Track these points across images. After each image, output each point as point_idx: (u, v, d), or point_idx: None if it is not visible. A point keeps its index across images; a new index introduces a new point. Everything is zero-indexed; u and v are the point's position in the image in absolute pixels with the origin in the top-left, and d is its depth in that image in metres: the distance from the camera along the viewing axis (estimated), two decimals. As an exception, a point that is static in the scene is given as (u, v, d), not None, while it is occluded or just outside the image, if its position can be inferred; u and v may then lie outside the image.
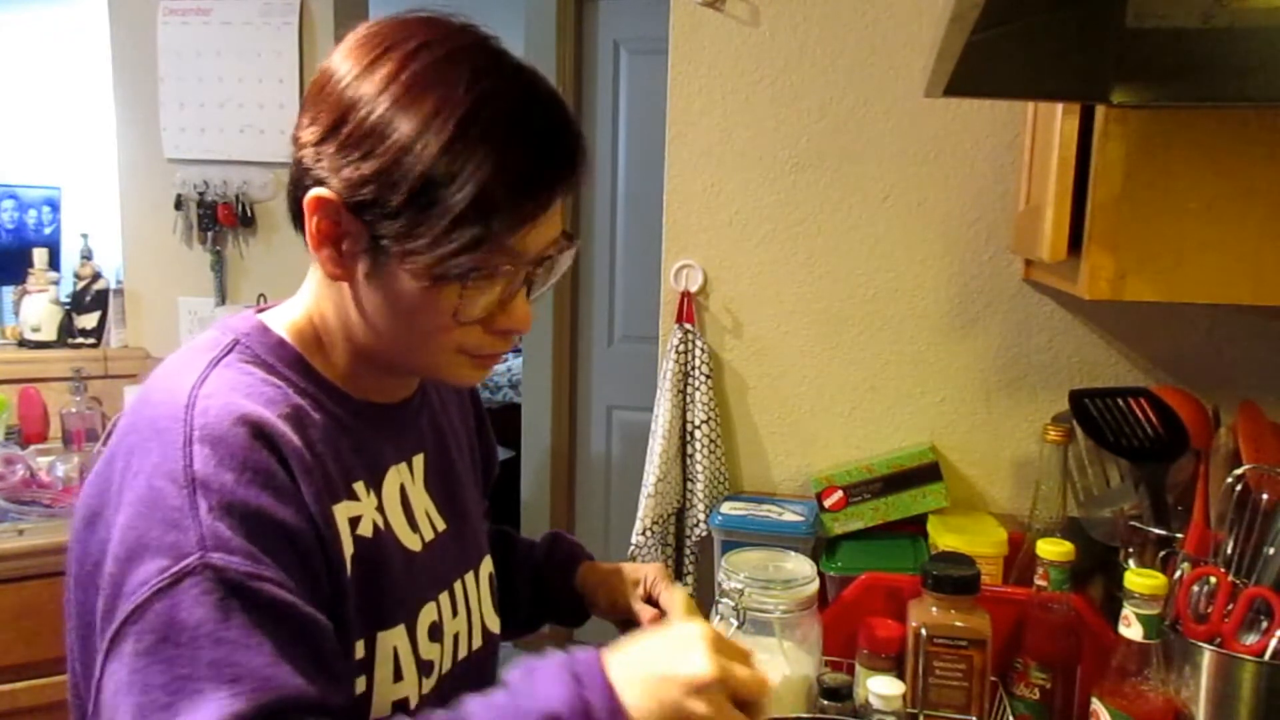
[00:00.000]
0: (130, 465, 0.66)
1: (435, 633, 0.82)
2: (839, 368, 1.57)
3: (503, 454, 4.11)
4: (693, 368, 1.57)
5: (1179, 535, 1.09)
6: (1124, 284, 0.90)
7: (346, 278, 0.73)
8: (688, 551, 1.61)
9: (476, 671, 0.89)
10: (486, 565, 0.94)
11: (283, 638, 0.62)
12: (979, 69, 0.81)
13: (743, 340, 1.60)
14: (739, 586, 1.04)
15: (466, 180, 0.66)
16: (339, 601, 0.70)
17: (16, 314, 2.60)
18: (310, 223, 0.71)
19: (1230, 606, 0.94)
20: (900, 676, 1.03)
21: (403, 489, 0.82)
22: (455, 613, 0.85)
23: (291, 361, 0.76)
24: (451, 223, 0.67)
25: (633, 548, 1.54)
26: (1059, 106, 0.99)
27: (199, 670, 0.59)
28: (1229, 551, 0.98)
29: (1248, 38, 0.81)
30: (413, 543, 0.81)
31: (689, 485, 1.58)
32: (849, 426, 1.57)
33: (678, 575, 1.62)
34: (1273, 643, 0.91)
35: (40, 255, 2.61)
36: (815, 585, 1.06)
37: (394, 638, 0.76)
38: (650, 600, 1.01)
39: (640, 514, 1.54)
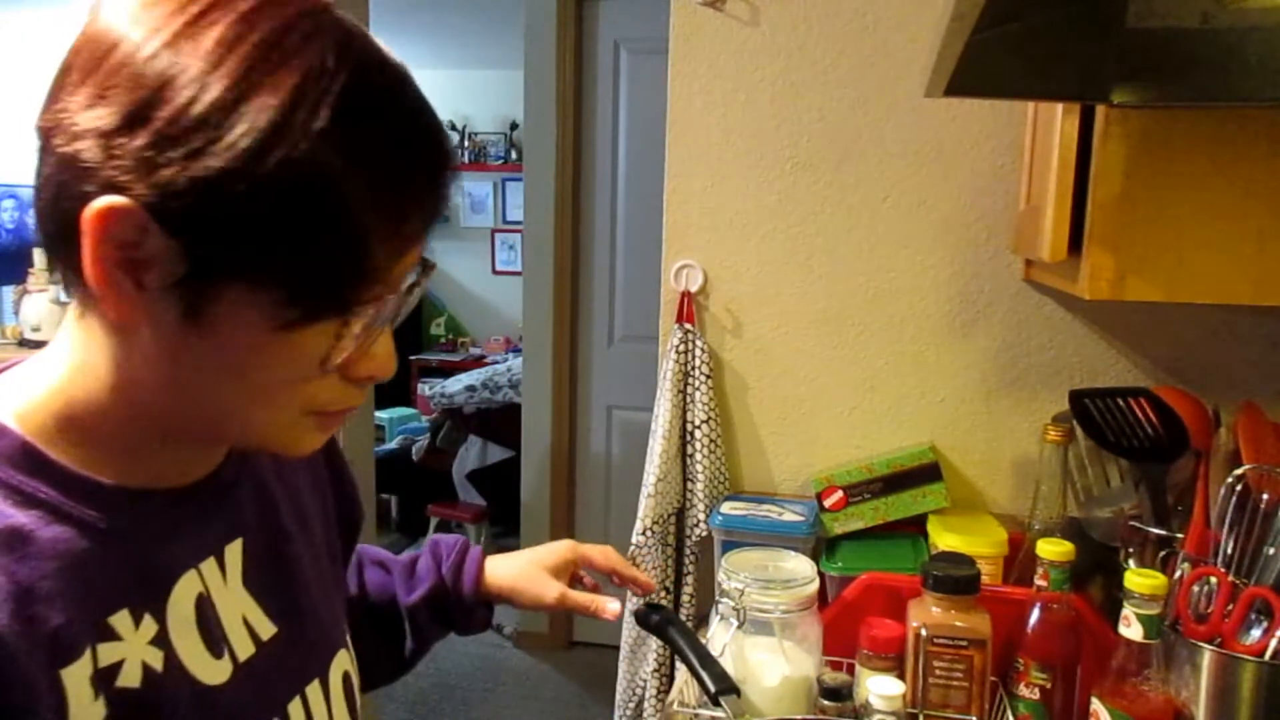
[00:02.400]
0: None
1: None
2: (839, 368, 1.57)
3: (503, 454, 4.14)
4: (693, 368, 1.57)
5: (1179, 535, 1.09)
6: (1124, 284, 0.90)
7: (144, 322, 0.52)
8: (688, 551, 1.61)
9: None
10: (340, 663, 0.73)
11: None
12: (979, 69, 0.81)
13: (743, 340, 1.60)
14: (739, 586, 1.04)
15: (347, 184, 0.50)
16: None
17: (17, 314, 2.61)
18: (90, 246, 0.49)
19: (1230, 606, 0.94)
20: (900, 676, 1.03)
21: (201, 600, 0.60)
22: None
23: (12, 455, 0.53)
24: (329, 239, 0.51)
25: (633, 548, 1.54)
26: (1059, 106, 0.99)
27: None
28: (1229, 551, 0.98)
29: (1248, 38, 0.81)
30: (215, 674, 0.60)
31: (689, 485, 1.58)
32: (849, 426, 1.57)
33: (678, 575, 1.62)
34: (1273, 643, 0.91)
35: (40, 255, 2.61)
36: (815, 585, 1.07)
37: None
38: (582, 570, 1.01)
39: (640, 514, 1.54)
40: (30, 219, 3.02)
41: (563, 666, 3.37)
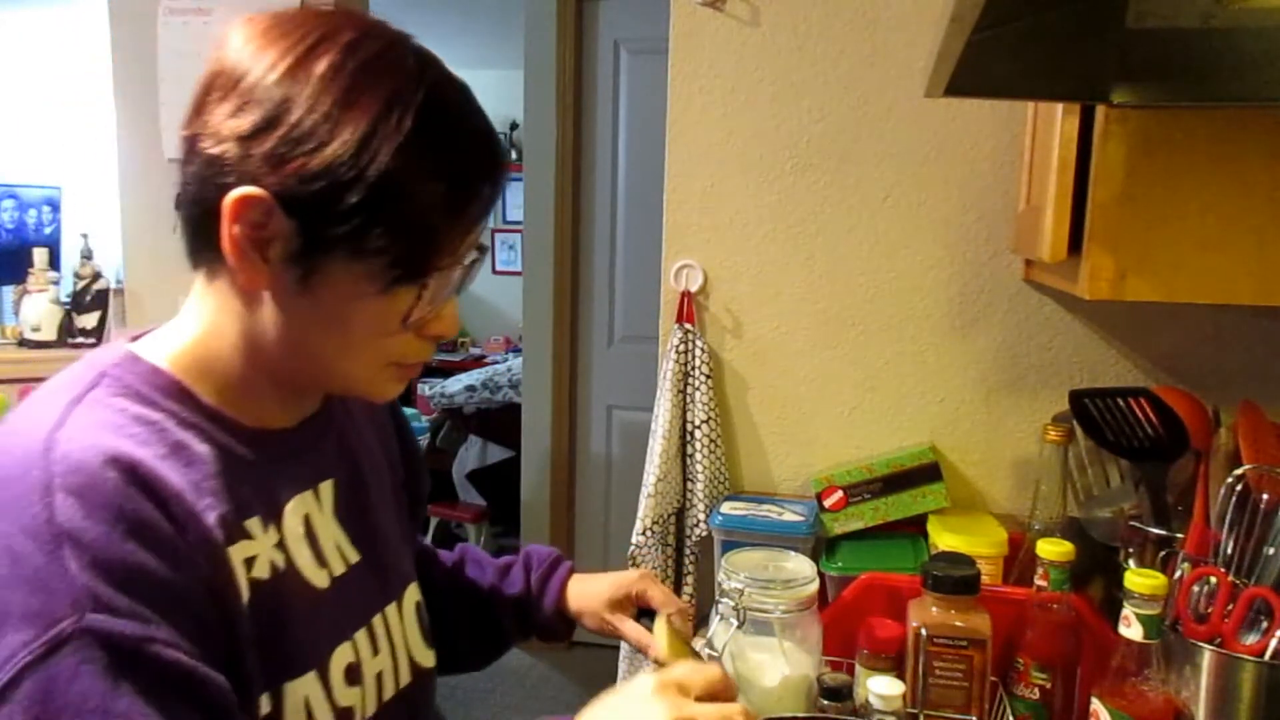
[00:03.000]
0: None
1: (353, 675, 0.75)
2: (839, 368, 1.57)
3: (503, 454, 4.13)
4: (693, 368, 1.57)
5: (1179, 535, 1.09)
6: (1124, 284, 0.90)
7: (266, 287, 0.66)
8: (688, 551, 1.61)
9: (408, 711, 0.82)
10: (412, 594, 0.86)
11: (180, 705, 0.56)
12: (979, 69, 0.81)
13: (743, 340, 1.60)
14: (739, 586, 1.04)
15: (426, 176, 0.64)
16: (237, 656, 0.63)
17: (17, 314, 2.61)
18: (229, 227, 0.63)
19: (1230, 606, 0.94)
20: (900, 676, 1.03)
21: (308, 520, 0.74)
22: (376, 650, 0.78)
23: (170, 390, 0.67)
24: (412, 221, 0.65)
25: (633, 548, 1.54)
26: (1059, 106, 0.99)
27: None
28: (1229, 551, 0.98)
29: (1248, 38, 0.81)
30: (320, 579, 0.74)
31: (689, 485, 1.58)
32: (849, 426, 1.57)
33: (678, 575, 1.62)
34: (1273, 643, 0.91)
35: (40, 255, 2.62)
36: (815, 585, 1.06)
37: (304, 687, 0.69)
38: (641, 608, 1.03)
39: (640, 514, 1.54)
40: (30, 219, 3.01)
41: (563, 666, 3.37)
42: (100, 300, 2.54)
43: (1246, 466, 1.02)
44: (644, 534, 1.53)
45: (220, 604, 0.62)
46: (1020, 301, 1.48)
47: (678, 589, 1.62)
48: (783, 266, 1.57)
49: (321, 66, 0.64)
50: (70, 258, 2.77)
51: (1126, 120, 0.88)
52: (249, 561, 0.66)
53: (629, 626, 1.01)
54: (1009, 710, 1.06)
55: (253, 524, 0.68)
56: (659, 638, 0.95)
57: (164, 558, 0.58)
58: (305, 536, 0.73)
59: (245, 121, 0.63)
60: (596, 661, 3.33)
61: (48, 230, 2.94)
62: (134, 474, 0.59)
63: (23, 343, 2.54)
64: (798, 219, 1.55)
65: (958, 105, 1.46)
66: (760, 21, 1.53)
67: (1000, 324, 1.50)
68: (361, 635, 0.77)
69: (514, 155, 5.69)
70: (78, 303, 2.57)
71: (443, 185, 0.65)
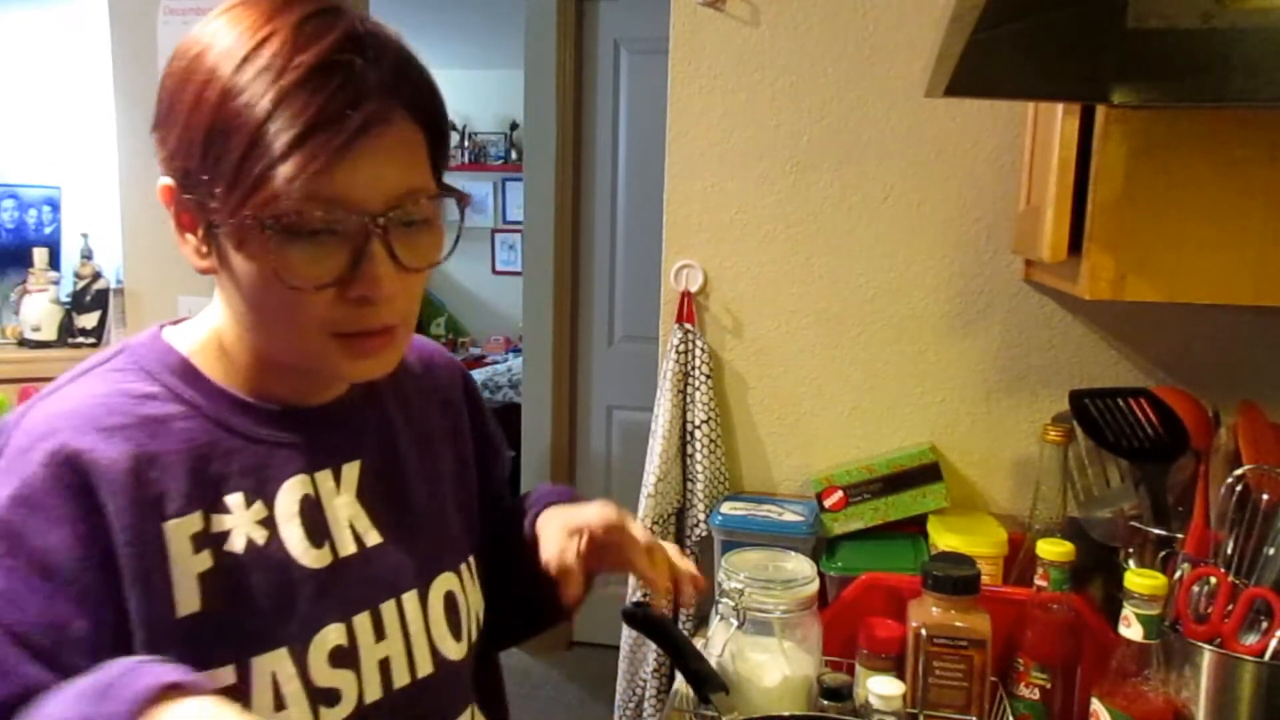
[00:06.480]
0: None
1: (343, 658, 0.73)
2: (839, 368, 1.57)
3: (503, 454, 4.13)
4: (693, 368, 1.57)
5: (1179, 535, 1.09)
6: (1124, 284, 0.90)
7: (207, 271, 0.70)
8: (688, 551, 1.61)
9: (433, 702, 0.80)
10: (445, 583, 0.82)
11: None
12: (979, 69, 0.81)
13: (743, 340, 1.60)
14: (739, 586, 1.04)
15: (246, 122, 0.62)
16: (157, 622, 0.65)
17: (17, 313, 2.61)
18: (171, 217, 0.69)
19: (1230, 607, 0.94)
20: (900, 676, 1.03)
21: (308, 500, 0.74)
22: (383, 636, 0.76)
23: (175, 367, 0.72)
24: (237, 171, 0.62)
25: (633, 548, 1.54)
26: (1059, 106, 0.99)
27: None
28: (1229, 552, 0.98)
29: (1248, 38, 0.81)
30: (313, 559, 0.73)
31: (689, 485, 1.58)
32: (849, 426, 1.57)
33: (678, 575, 1.62)
34: (1273, 643, 0.91)
35: (40, 255, 2.62)
36: (815, 585, 1.07)
37: (272, 662, 0.69)
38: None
39: (640, 514, 1.54)
40: (30, 219, 3.01)
41: (563, 666, 3.37)
42: (100, 300, 2.55)
43: (1246, 466, 1.02)
44: (644, 534, 1.53)
45: (141, 573, 0.65)
46: (1020, 301, 1.48)
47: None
48: (783, 266, 1.57)
49: (179, 51, 0.67)
50: (70, 257, 2.77)
51: (1126, 120, 0.88)
52: (219, 536, 0.69)
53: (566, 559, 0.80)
54: (1009, 710, 1.07)
55: (233, 499, 0.70)
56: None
57: (48, 531, 0.64)
58: (300, 515, 0.73)
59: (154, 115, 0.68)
60: (596, 662, 3.34)
61: (48, 230, 2.94)
62: (59, 454, 0.65)
63: (23, 342, 2.54)
64: (798, 219, 1.55)
65: (958, 105, 1.46)
66: (760, 21, 1.53)
67: (1000, 324, 1.50)
68: (363, 619, 0.75)
69: (514, 155, 5.71)
70: (78, 302, 2.57)
71: (257, 131, 0.62)
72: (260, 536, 0.71)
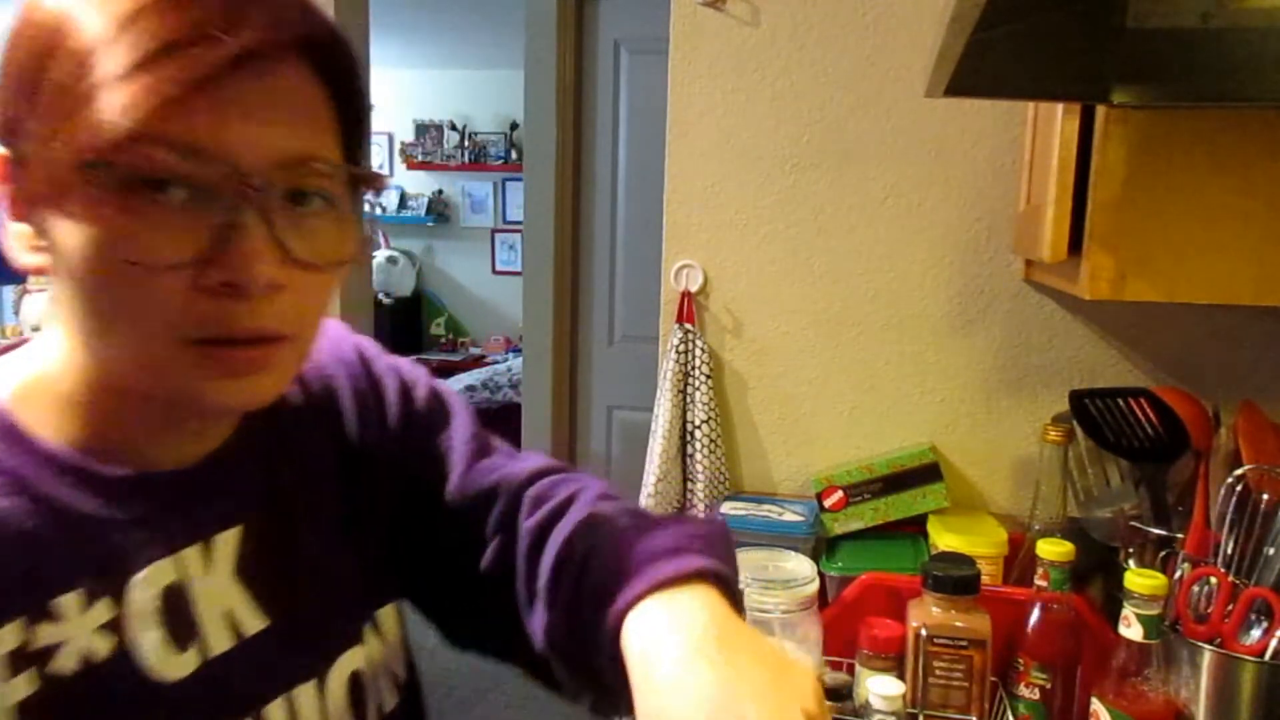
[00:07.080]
0: None
1: None
2: (839, 368, 1.57)
3: (503, 454, 4.13)
4: (693, 368, 1.57)
5: (1179, 535, 1.09)
6: (1124, 284, 0.90)
7: (40, 267, 0.52)
8: (688, 551, 1.61)
9: None
10: (349, 662, 0.66)
11: None
12: (979, 69, 0.81)
13: (743, 340, 1.60)
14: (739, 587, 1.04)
15: (79, 44, 0.48)
16: None
17: (17, 313, 2.61)
18: None
19: (1230, 607, 0.94)
20: (900, 676, 1.03)
21: (171, 591, 0.57)
22: None
23: None
24: (56, 95, 0.48)
25: (633, 548, 1.54)
26: (1059, 106, 0.99)
27: None
28: (1229, 552, 0.98)
29: (1248, 38, 0.81)
30: (176, 667, 0.56)
31: (689, 485, 1.58)
32: (849, 426, 1.57)
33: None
34: (1273, 643, 0.91)
35: (40, 255, 2.62)
36: (815, 585, 1.06)
37: None
38: None
39: (640, 514, 1.54)
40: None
41: (563, 666, 3.36)
42: (100, 300, 2.55)
43: (1246, 466, 1.02)
44: (644, 534, 1.53)
45: None
46: (1020, 301, 1.48)
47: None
48: (783, 266, 1.57)
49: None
50: (70, 258, 2.78)
51: (1126, 120, 0.88)
52: (44, 652, 0.51)
53: None
54: (1009, 710, 1.06)
55: (66, 602, 0.52)
56: None
57: None
58: (160, 613, 0.56)
59: None
60: (596, 661, 3.34)
61: (48, 230, 2.95)
62: None
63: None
64: (798, 219, 1.55)
65: (958, 105, 1.46)
66: (760, 21, 1.53)
67: (1000, 324, 1.50)
68: None
69: (514, 155, 5.72)
70: (78, 303, 2.57)
71: (79, 66, 0.48)
72: (103, 648, 0.53)
